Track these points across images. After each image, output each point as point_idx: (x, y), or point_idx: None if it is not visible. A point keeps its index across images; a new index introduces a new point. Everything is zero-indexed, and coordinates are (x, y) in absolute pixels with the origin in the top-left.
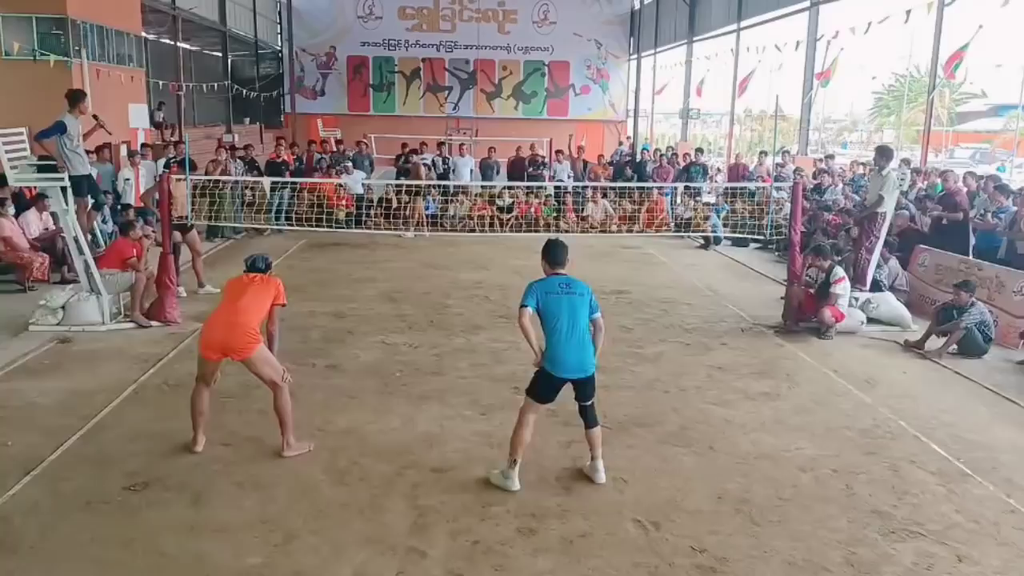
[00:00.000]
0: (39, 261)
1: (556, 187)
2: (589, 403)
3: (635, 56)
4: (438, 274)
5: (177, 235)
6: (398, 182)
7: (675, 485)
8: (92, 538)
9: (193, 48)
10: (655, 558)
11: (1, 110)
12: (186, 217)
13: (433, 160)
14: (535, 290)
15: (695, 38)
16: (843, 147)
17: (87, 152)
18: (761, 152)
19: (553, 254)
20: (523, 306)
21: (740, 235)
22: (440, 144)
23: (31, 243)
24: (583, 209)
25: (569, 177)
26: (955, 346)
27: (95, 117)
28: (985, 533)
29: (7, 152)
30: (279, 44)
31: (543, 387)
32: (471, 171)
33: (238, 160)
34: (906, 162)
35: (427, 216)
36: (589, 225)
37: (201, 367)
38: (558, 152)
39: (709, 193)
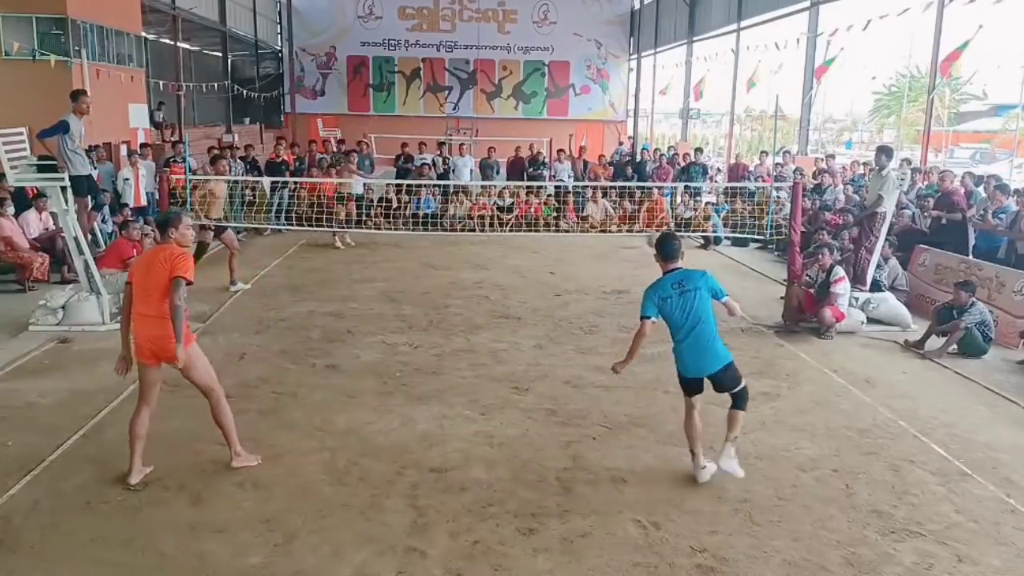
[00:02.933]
0: (39, 261)
1: (556, 187)
2: (735, 391)
3: (635, 56)
4: (438, 274)
5: (209, 234)
6: (398, 181)
7: (675, 485)
8: (92, 538)
9: (193, 48)
10: (655, 558)
11: (1, 110)
12: (222, 218)
13: (433, 160)
14: (652, 297)
15: (695, 38)
16: (847, 146)
17: (87, 149)
18: (762, 152)
19: (666, 249)
20: (644, 317)
21: (740, 235)
22: (440, 144)
23: (31, 243)
24: (583, 209)
25: (569, 177)
26: (955, 346)
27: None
28: (985, 533)
29: (7, 152)
30: (279, 44)
31: (684, 384)
32: (471, 171)
33: (238, 160)
34: (907, 161)
35: (427, 214)
36: (589, 225)
37: (140, 376)
38: (559, 151)
39: (709, 193)
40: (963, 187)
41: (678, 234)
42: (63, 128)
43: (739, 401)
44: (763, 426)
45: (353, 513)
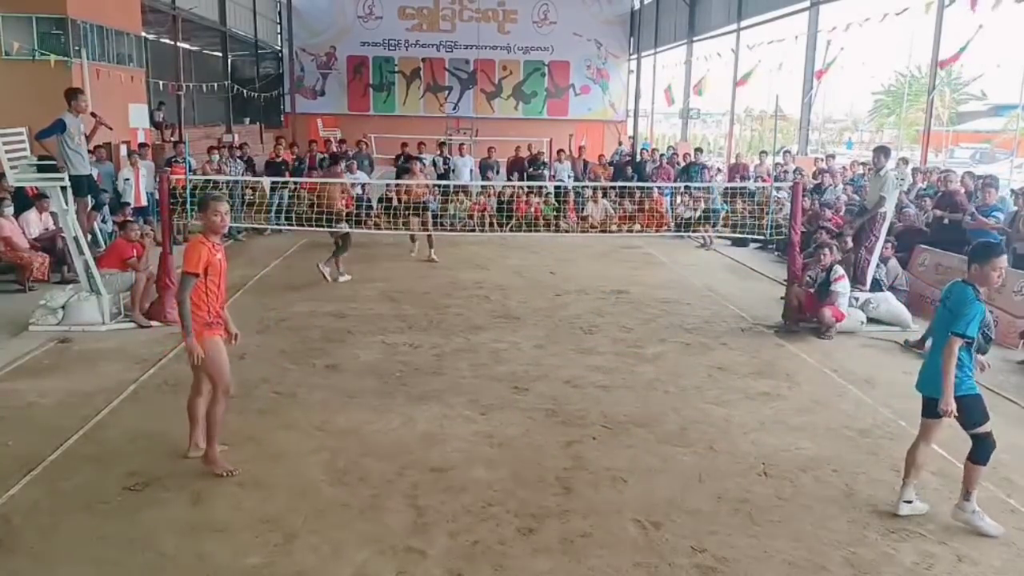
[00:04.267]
0: (39, 261)
1: (556, 187)
2: (970, 433)
3: (635, 56)
4: (438, 274)
5: (344, 226)
6: (398, 182)
7: (675, 485)
8: (92, 538)
9: (193, 48)
10: (655, 558)
11: (1, 110)
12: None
13: (433, 160)
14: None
15: (695, 38)
16: (847, 146)
17: (90, 150)
18: (761, 152)
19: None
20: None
21: (740, 235)
22: (440, 144)
23: (31, 243)
24: (583, 209)
25: (569, 177)
26: None
27: (94, 115)
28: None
29: (7, 152)
30: (279, 44)
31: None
32: (471, 171)
33: (237, 160)
34: (904, 161)
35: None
36: (589, 225)
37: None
38: (559, 151)
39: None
40: (963, 187)
41: (681, 234)
42: (60, 127)
43: (974, 450)
44: (763, 426)
45: (353, 513)
